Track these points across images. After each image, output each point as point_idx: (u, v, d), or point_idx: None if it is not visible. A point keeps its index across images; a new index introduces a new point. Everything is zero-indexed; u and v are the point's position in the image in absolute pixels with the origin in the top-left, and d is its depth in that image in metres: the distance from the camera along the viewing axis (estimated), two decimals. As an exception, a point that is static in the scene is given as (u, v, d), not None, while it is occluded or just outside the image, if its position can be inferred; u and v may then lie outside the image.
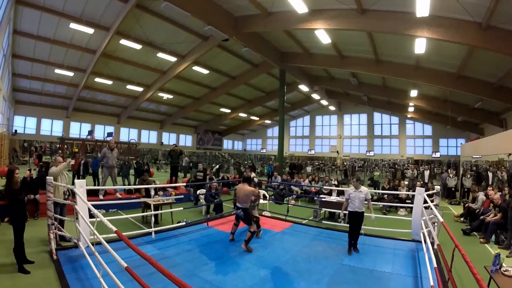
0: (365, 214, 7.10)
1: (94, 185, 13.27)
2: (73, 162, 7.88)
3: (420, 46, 13.96)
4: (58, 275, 5.09)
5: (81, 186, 6.11)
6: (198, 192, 12.10)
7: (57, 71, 22.25)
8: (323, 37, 15.50)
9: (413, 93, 23.56)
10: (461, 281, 5.36)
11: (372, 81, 26.08)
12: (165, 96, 29.54)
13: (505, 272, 4.44)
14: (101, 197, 10.47)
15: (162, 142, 39.68)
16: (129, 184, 14.29)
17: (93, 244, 4.69)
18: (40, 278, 5.05)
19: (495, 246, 7.88)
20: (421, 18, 11.60)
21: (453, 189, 16.07)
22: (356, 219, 6.99)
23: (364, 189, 7.08)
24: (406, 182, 15.97)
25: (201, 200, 11.64)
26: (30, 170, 9.97)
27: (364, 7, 13.09)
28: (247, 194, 6.99)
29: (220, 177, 19.27)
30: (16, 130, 27.25)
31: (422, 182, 14.88)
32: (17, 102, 27.04)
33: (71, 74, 23.02)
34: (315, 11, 14.07)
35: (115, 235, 4.03)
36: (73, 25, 16.41)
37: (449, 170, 17.62)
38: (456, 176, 16.46)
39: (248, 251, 6.65)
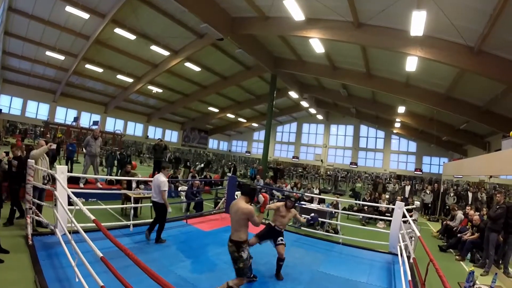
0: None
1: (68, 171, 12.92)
2: (54, 146, 7.71)
3: (411, 64, 14.17)
4: (32, 261, 4.99)
5: (62, 172, 5.98)
6: (179, 189, 12.05)
7: (48, 53, 21.85)
8: (317, 46, 15.58)
9: (401, 109, 23.91)
10: (433, 296, 5.44)
11: (361, 94, 26.36)
12: (155, 89, 29.28)
13: (477, 290, 4.53)
14: (81, 185, 10.32)
15: (148, 136, 39.21)
16: (111, 175, 14.12)
17: (70, 232, 4.62)
18: (13, 262, 4.95)
19: (470, 264, 8.05)
20: (415, 37, 11.77)
21: (429, 205, 16.36)
22: None
23: None
24: (387, 196, 16.17)
25: (181, 197, 11.57)
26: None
27: (361, 21, 13.26)
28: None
29: (203, 176, 19.20)
30: (0, 110, 26.73)
31: (402, 197, 15.06)
32: (4, 81, 26.45)
33: (62, 57, 22.67)
34: (312, 20, 14.18)
35: (93, 224, 3.98)
36: (69, 8, 16.13)
37: (426, 186, 17.88)
38: (433, 193, 16.67)
39: None
